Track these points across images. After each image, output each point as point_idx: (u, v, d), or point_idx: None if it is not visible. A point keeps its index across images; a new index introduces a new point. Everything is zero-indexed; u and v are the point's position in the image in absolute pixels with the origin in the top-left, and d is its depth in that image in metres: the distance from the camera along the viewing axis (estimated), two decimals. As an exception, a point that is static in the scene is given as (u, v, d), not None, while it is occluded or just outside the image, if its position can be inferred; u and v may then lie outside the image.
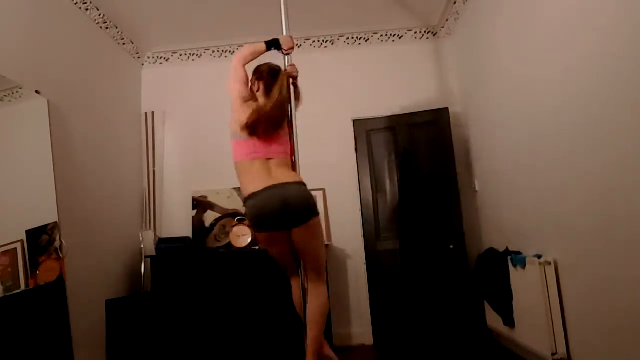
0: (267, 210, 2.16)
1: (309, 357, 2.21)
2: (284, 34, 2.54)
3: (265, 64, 2.47)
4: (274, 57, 2.52)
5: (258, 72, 2.45)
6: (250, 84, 2.43)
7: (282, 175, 2.22)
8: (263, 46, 2.41)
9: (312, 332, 2.22)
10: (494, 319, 3.22)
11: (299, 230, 2.20)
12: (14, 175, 2.64)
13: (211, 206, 4.11)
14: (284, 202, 2.14)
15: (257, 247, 3.80)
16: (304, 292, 2.32)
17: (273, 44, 2.44)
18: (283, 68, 2.48)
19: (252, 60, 2.41)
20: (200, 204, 4.11)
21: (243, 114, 2.27)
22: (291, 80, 2.46)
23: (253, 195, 2.19)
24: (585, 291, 2.27)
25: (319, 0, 3.73)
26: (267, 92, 2.36)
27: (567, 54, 2.29)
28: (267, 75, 2.40)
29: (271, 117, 2.26)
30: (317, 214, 2.25)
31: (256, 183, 2.20)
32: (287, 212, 2.15)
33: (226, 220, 4.04)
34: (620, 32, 1.89)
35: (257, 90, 2.41)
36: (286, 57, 2.50)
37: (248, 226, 3.88)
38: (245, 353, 3.42)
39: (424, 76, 4.20)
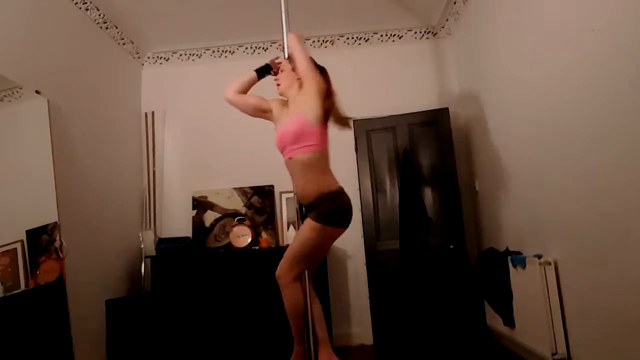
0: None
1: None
2: (284, 34, 2.51)
3: None
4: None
5: None
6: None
7: None
8: (252, 74, 2.46)
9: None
10: (494, 319, 3.22)
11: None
12: (14, 175, 2.64)
13: (211, 206, 4.10)
14: None
15: (257, 247, 3.81)
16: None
17: (264, 70, 2.48)
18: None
19: (242, 89, 2.45)
20: (200, 204, 4.11)
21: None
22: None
23: (343, 189, 2.28)
24: (585, 291, 2.27)
25: (319, 0, 3.73)
26: None
27: (567, 54, 2.28)
28: None
29: None
30: None
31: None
32: None
33: (226, 220, 4.04)
34: (620, 32, 1.89)
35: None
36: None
37: (248, 226, 3.88)
38: (245, 353, 3.42)
39: (424, 76, 4.20)
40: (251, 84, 2.48)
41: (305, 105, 2.25)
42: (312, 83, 2.26)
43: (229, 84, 2.46)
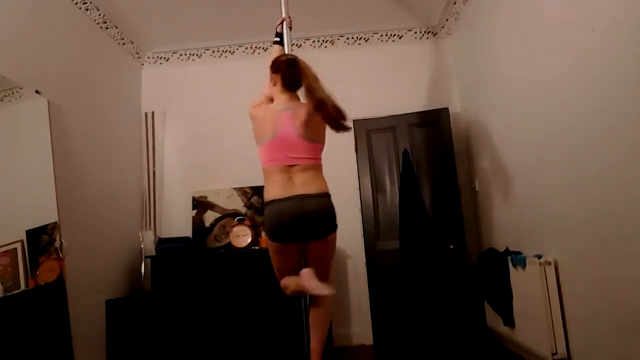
0: (283, 221, 2.09)
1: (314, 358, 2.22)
2: (284, 34, 2.63)
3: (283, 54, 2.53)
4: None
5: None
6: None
7: (304, 186, 2.14)
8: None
9: (318, 334, 2.25)
10: (494, 319, 3.22)
11: (315, 244, 2.18)
12: (14, 175, 2.64)
13: (211, 206, 4.10)
14: (300, 215, 2.07)
15: (257, 247, 3.81)
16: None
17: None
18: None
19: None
20: (200, 204, 4.11)
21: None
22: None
23: (273, 202, 2.13)
24: (585, 291, 2.27)
25: (319, 0, 3.73)
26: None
27: (566, 54, 2.29)
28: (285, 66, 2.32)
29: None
30: (336, 228, 2.20)
31: (277, 190, 2.13)
32: (304, 225, 2.09)
33: (226, 220, 4.04)
34: (620, 32, 1.89)
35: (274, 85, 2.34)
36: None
37: (248, 226, 3.88)
38: (245, 353, 3.42)
39: (424, 76, 4.20)
40: None
41: None
42: None
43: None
